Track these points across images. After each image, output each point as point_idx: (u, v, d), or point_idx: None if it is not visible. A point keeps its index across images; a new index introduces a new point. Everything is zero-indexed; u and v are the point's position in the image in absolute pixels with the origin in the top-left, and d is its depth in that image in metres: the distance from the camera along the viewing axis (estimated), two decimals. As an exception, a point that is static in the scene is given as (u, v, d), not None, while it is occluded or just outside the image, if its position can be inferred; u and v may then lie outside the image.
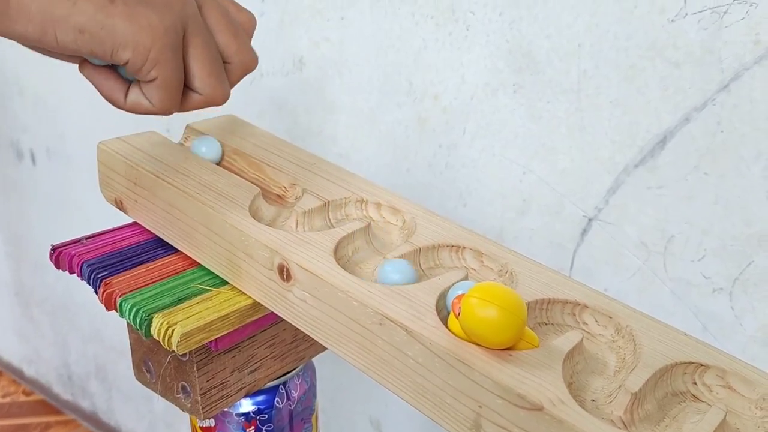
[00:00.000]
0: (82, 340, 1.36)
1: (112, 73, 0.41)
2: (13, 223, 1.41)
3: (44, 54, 0.41)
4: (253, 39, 0.47)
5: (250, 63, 0.44)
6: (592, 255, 0.62)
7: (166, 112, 0.42)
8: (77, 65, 0.42)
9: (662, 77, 0.55)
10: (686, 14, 0.53)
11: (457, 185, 0.69)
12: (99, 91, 0.42)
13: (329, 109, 0.77)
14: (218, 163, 0.53)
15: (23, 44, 0.39)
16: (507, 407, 0.34)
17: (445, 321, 0.38)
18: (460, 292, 0.38)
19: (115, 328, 1.28)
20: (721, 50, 0.52)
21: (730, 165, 0.54)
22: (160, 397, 0.51)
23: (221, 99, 0.43)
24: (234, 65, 0.43)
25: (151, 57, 0.38)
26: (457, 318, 0.36)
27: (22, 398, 1.53)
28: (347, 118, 0.76)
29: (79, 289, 1.32)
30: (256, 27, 0.47)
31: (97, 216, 1.19)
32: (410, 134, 0.71)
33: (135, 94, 0.41)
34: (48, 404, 1.51)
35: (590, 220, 0.61)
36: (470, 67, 0.65)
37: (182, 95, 0.42)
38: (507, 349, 0.36)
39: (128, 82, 0.42)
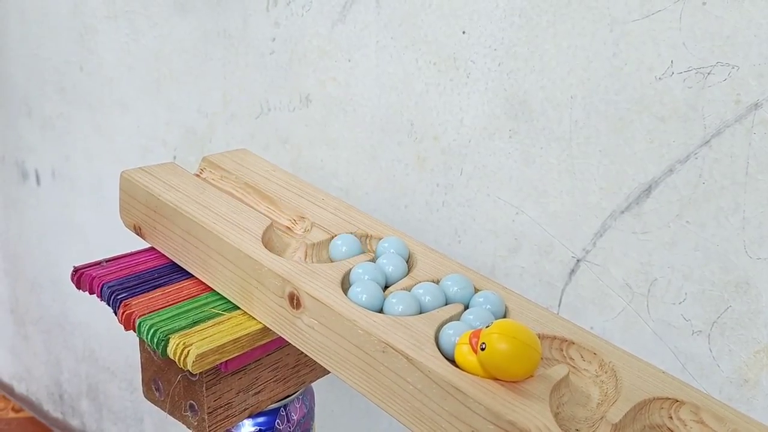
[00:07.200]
0: (75, 360, 1.38)
1: None
2: (13, 241, 1.43)
3: None
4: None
5: None
6: (579, 294, 0.66)
7: None
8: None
9: (649, 130, 0.59)
10: (672, 73, 0.57)
11: (452, 223, 0.73)
12: None
13: (332, 145, 0.81)
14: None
15: None
16: (498, 432, 0.37)
17: (447, 353, 0.41)
18: (471, 328, 0.41)
19: (109, 348, 1.29)
20: (704, 108, 0.56)
21: (711, 215, 0.57)
22: (168, 415, 0.53)
23: None
24: None
25: None
26: (476, 352, 0.39)
27: (12, 414, 1.54)
28: (349, 154, 0.79)
29: (74, 310, 1.34)
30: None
31: (96, 238, 1.21)
32: (409, 172, 0.75)
33: None
34: (38, 422, 1.51)
35: (578, 260, 0.65)
36: (469, 112, 0.69)
37: None
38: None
39: None
